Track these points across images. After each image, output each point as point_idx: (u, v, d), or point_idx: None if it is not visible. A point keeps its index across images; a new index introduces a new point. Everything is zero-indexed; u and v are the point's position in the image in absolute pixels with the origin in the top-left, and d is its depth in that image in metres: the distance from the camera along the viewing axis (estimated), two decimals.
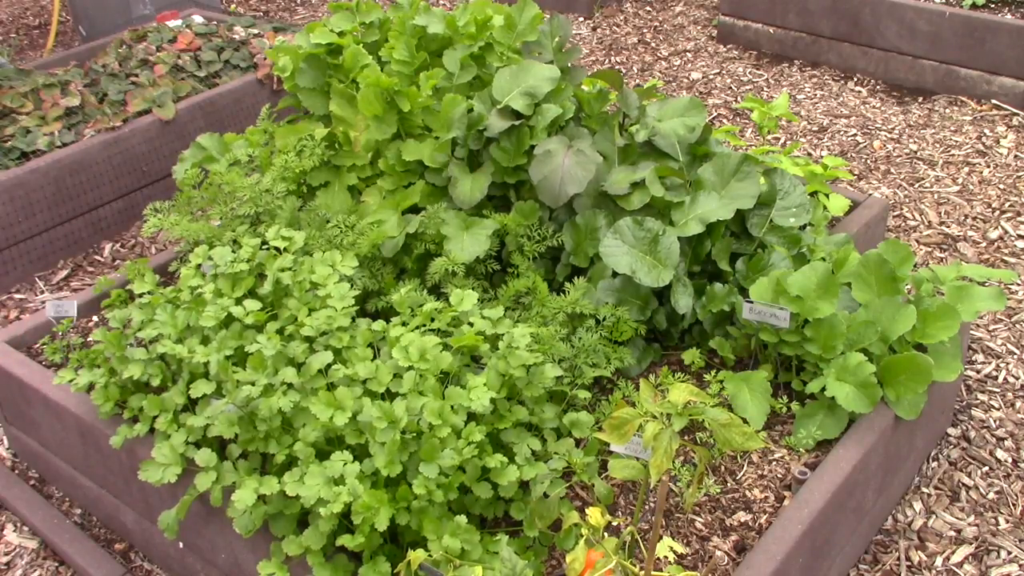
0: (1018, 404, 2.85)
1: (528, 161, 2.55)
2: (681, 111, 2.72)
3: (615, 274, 2.42)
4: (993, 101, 4.50)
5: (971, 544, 2.43)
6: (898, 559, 2.40)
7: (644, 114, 2.70)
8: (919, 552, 2.41)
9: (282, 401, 1.96)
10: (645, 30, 5.64)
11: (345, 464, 1.85)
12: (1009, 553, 2.40)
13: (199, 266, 2.40)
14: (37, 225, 3.66)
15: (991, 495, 2.57)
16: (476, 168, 2.64)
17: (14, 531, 2.69)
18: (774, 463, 2.15)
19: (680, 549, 1.77)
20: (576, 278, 2.44)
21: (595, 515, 1.77)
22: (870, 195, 3.11)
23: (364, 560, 1.86)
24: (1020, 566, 2.37)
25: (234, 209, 2.65)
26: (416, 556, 1.68)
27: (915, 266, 3.39)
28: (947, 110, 4.50)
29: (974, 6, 4.53)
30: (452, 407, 1.91)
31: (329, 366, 2.05)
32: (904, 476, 2.52)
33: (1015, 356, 3.03)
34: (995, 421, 2.79)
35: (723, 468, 2.15)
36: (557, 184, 2.46)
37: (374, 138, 2.63)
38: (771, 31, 5.14)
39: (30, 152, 3.73)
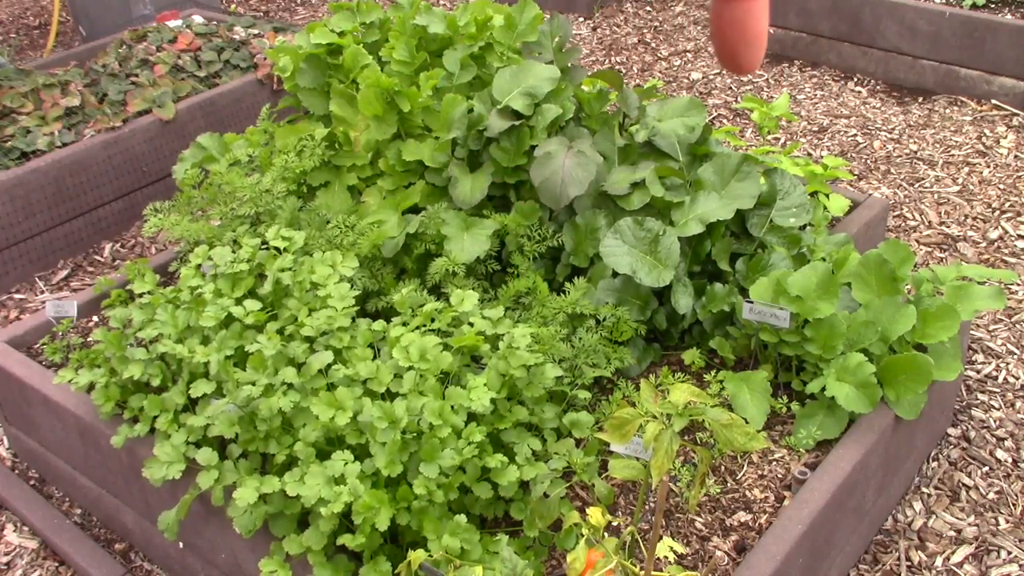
0: (1018, 404, 2.85)
1: (528, 161, 2.55)
2: (681, 111, 2.72)
3: (615, 274, 2.42)
4: (993, 101, 4.50)
5: (971, 544, 2.43)
6: (898, 559, 2.40)
7: (644, 114, 2.70)
8: (919, 552, 2.41)
9: (282, 401, 1.96)
10: (645, 30, 5.64)
11: (346, 464, 1.85)
12: (1009, 553, 2.40)
13: (199, 266, 2.40)
14: (37, 225, 3.66)
15: (991, 495, 2.57)
16: (476, 168, 2.64)
17: (14, 531, 2.69)
18: (774, 463, 2.15)
19: (680, 549, 1.77)
20: (576, 278, 2.44)
21: (595, 515, 1.77)
22: (870, 195, 3.12)
23: (364, 560, 1.86)
24: (1020, 566, 2.37)
25: (234, 209, 2.65)
26: (416, 556, 1.68)
27: (915, 266, 3.39)
28: (947, 110, 4.50)
29: (974, 6, 4.53)
30: (452, 407, 1.91)
31: (329, 366, 2.05)
32: (904, 476, 2.52)
33: (1015, 356, 3.03)
34: (995, 421, 2.79)
35: (723, 468, 2.15)
36: (558, 186, 2.46)
37: (374, 138, 2.63)
38: (771, 31, 5.14)
39: (30, 152, 3.73)
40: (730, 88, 4.88)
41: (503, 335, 2.09)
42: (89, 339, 2.73)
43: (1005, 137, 4.23)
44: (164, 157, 3.95)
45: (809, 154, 4.23)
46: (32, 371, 2.55)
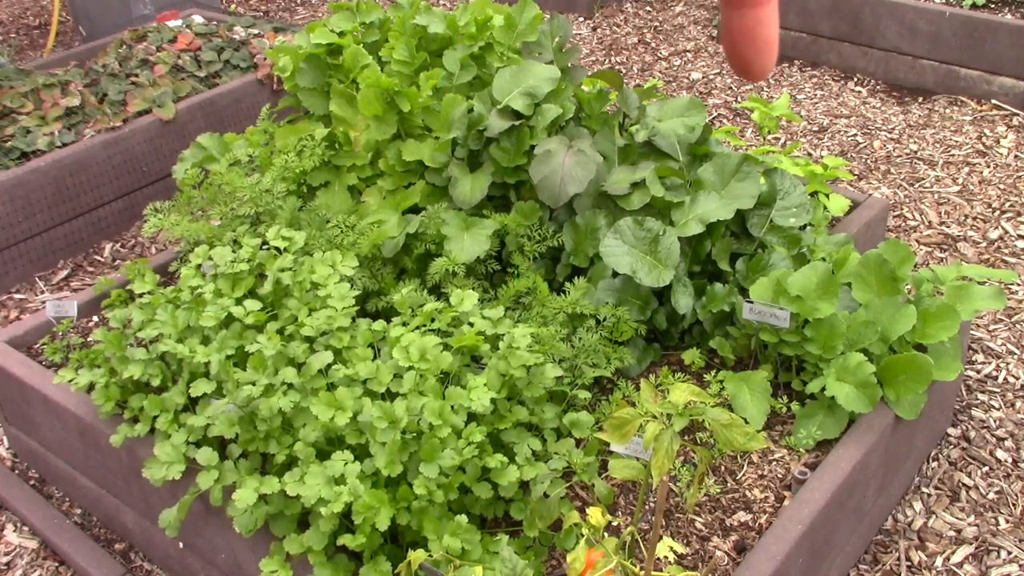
0: (1018, 404, 2.85)
1: (528, 161, 2.55)
2: (681, 111, 2.72)
3: (615, 274, 2.42)
4: (993, 101, 4.50)
5: (971, 544, 2.43)
6: (898, 559, 2.40)
7: (644, 114, 2.70)
8: (919, 552, 2.41)
9: (282, 401, 1.96)
10: (645, 30, 5.64)
11: (346, 464, 1.85)
12: (1009, 553, 2.40)
13: (199, 266, 2.40)
14: (37, 225, 3.66)
15: (991, 495, 2.57)
16: (476, 168, 2.64)
17: (14, 531, 2.69)
18: (774, 463, 2.15)
19: (680, 549, 1.77)
20: (576, 278, 2.44)
21: (595, 515, 1.77)
22: (870, 195, 3.12)
23: (365, 560, 1.86)
24: (1020, 566, 2.37)
25: (234, 209, 2.65)
26: (416, 556, 1.68)
27: (915, 266, 3.39)
28: (947, 110, 4.50)
29: (974, 6, 4.53)
30: (452, 407, 1.91)
31: (329, 366, 2.05)
32: (904, 476, 2.52)
33: (1015, 356, 3.03)
34: (995, 421, 2.79)
35: (723, 468, 2.15)
36: (557, 184, 2.46)
37: (374, 138, 2.63)
38: None
39: (30, 152, 3.73)
40: (730, 88, 4.88)
41: (503, 335, 2.09)
42: (89, 339, 2.73)
43: (1005, 137, 4.23)
44: (164, 157, 3.95)
45: (809, 154, 4.23)
46: (32, 371, 2.55)
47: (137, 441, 2.24)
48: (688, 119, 2.70)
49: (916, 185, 3.95)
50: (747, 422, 2.14)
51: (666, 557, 1.76)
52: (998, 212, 3.73)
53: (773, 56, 0.97)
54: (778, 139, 4.37)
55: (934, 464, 2.67)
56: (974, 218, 3.72)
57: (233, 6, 6.49)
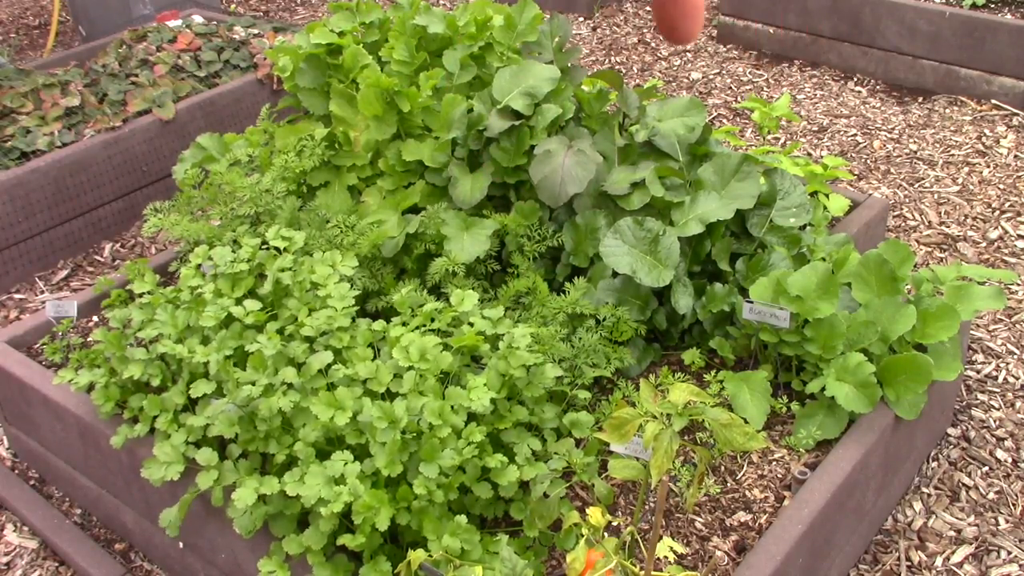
0: (1018, 404, 2.85)
1: (528, 161, 2.55)
2: (681, 111, 2.72)
3: (615, 274, 2.42)
4: (993, 101, 4.50)
5: (971, 544, 2.43)
6: (898, 559, 2.40)
7: (644, 114, 2.70)
8: (919, 552, 2.41)
9: (282, 401, 1.96)
10: (645, 30, 5.64)
11: (346, 464, 1.85)
12: (1009, 553, 2.40)
13: (199, 266, 2.40)
14: (37, 225, 3.66)
15: (991, 495, 2.57)
16: (476, 168, 2.64)
17: (14, 531, 2.69)
18: (774, 463, 2.15)
19: (680, 549, 1.77)
20: (576, 278, 2.44)
21: (595, 515, 1.77)
22: (870, 195, 3.12)
23: (364, 560, 1.86)
24: (1020, 566, 2.37)
25: (234, 209, 2.65)
26: (416, 556, 1.68)
27: (915, 266, 3.39)
28: (947, 110, 4.50)
29: (974, 6, 4.53)
30: (452, 407, 1.91)
31: (329, 366, 2.05)
32: (904, 476, 2.52)
33: (1015, 356, 3.03)
34: (995, 421, 2.79)
35: (723, 468, 2.15)
36: (557, 184, 2.46)
37: (374, 138, 2.63)
38: (771, 31, 5.14)
39: (30, 152, 3.73)
40: (730, 88, 4.88)
41: (503, 335, 2.10)
42: (89, 339, 2.73)
43: (1005, 137, 4.23)
44: (164, 157, 3.95)
45: (809, 154, 4.23)
46: (32, 371, 2.55)
47: (137, 441, 2.24)
48: (688, 119, 2.70)
49: (916, 185, 3.95)
50: (747, 422, 2.14)
51: (666, 557, 1.77)
52: (998, 212, 3.73)
53: (700, 21, 1.06)
54: (778, 139, 4.37)
55: (934, 464, 2.67)
56: (974, 218, 3.72)
57: (233, 6, 6.49)
